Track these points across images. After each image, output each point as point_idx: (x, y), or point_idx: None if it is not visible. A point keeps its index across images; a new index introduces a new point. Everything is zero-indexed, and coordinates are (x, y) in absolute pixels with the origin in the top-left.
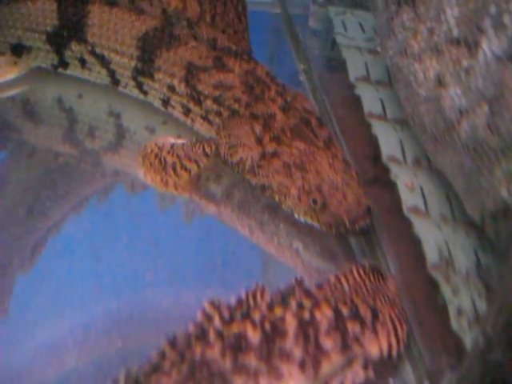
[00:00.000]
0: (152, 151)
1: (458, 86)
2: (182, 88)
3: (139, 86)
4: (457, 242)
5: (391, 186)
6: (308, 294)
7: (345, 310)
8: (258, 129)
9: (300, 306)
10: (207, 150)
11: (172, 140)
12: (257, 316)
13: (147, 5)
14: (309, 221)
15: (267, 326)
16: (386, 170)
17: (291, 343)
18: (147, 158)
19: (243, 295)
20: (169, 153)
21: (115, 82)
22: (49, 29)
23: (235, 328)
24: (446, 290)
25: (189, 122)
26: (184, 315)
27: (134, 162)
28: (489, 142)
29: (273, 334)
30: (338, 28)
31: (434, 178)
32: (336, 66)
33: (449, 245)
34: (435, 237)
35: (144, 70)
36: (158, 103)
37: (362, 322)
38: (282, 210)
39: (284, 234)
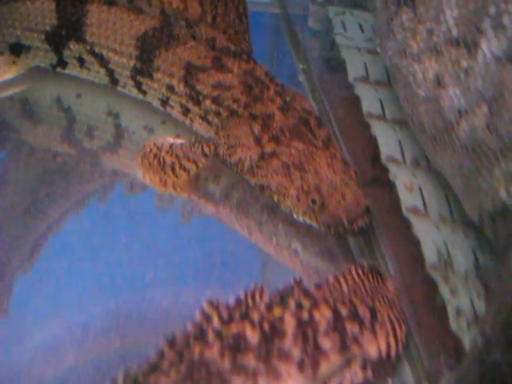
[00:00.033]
0: (151, 151)
1: (457, 87)
2: (180, 88)
3: (138, 85)
4: (455, 242)
5: (390, 187)
6: (307, 294)
7: (344, 311)
8: (256, 129)
9: (299, 306)
10: (206, 150)
11: (171, 140)
12: (255, 316)
13: (146, 5)
14: (307, 221)
15: (266, 326)
16: (385, 171)
17: (290, 343)
18: (146, 157)
19: (242, 295)
20: (168, 153)
21: (114, 81)
22: (47, 28)
23: (234, 328)
24: (444, 291)
25: (188, 121)
26: (183, 315)
27: (133, 161)
28: (488, 142)
29: (271, 334)
30: (338, 28)
31: (433, 178)
32: (335, 66)
33: (447, 245)
34: (434, 237)
35: (143, 69)
36: (156, 103)
37: (361, 323)
38: (281, 210)
39: (283, 234)
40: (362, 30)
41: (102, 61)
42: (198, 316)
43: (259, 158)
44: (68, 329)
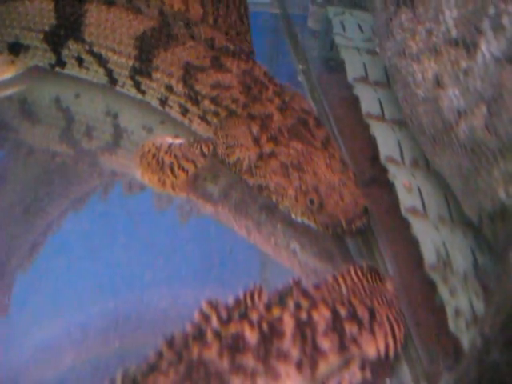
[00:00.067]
0: (149, 151)
1: (456, 87)
2: (179, 88)
3: (137, 85)
4: (454, 242)
5: (389, 187)
6: (306, 294)
7: (342, 311)
8: (255, 129)
9: (298, 307)
10: (205, 150)
11: (169, 140)
12: (254, 316)
13: (144, 5)
14: (306, 221)
15: (265, 326)
16: (384, 171)
17: (288, 343)
18: (144, 157)
19: (241, 295)
20: (166, 153)
21: (113, 81)
22: (46, 28)
23: (233, 328)
24: (443, 291)
25: (186, 121)
26: (181, 315)
27: (132, 161)
28: (487, 143)
29: (270, 334)
30: (337, 28)
31: (432, 178)
32: (334, 66)
33: (446, 245)
34: (433, 237)
35: (142, 69)
36: (155, 103)
37: (360, 323)
38: (279, 211)
39: (281, 234)
40: (362, 31)
41: (101, 60)
42: (196, 316)
43: (258, 158)
44: (67, 329)
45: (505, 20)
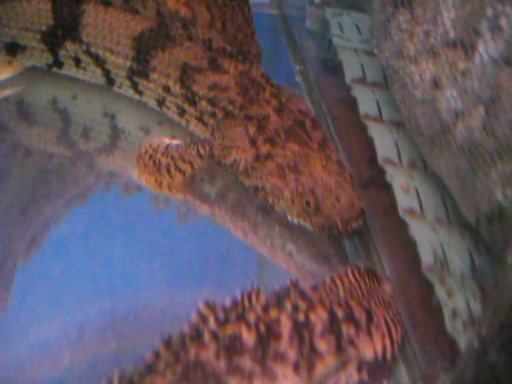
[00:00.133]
0: (146, 152)
1: (454, 89)
2: (176, 89)
3: (134, 86)
4: (452, 244)
5: (387, 188)
6: (303, 295)
7: (340, 313)
8: (251, 130)
9: (295, 308)
10: (201, 151)
11: (166, 141)
12: (252, 317)
13: (141, 6)
14: (302, 223)
15: (262, 327)
16: (382, 172)
17: (286, 345)
18: (141, 159)
19: (238, 296)
20: (163, 154)
21: (110, 81)
22: (43, 28)
23: (230, 329)
24: (440, 292)
25: (184, 122)
26: (179, 316)
27: (129, 162)
28: (484, 144)
29: (267, 335)
30: (335, 29)
31: (430, 179)
32: (332, 67)
33: (444, 247)
34: (430, 239)
35: (139, 70)
36: (153, 103)
37: (357, 325)
38: (276, 212)
39: (277, 235)
40: (359, 32)
41: (98, 61)
42: (194, 317)
43: (254, 160)
44: (64, 329)
45: (502, 21)
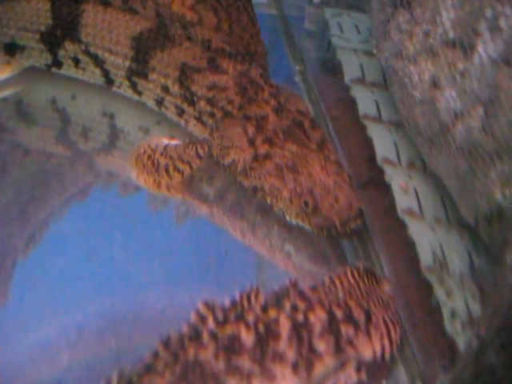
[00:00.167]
0: (145, 153)
1: (453, 89)
2: (175, 89)
3: (133, 86)
4: (451, 244)
5: (386, 188)
6: (302, 296)
7: (339, 313)
8: (250, 130)
9: (294, 308)
10: (200, 151)
11: (165, 141)
12: (251, 317)
13: (141, 7)
14: (300, 223)
15: (261, 327)
16: (381, 172)
17: (284, 345)
18: (140, 159)
19: (237, 296)
20: (162, 154)
21: (109, 81)
22: (42, 28)
23: (229, 329)
24: (439, 293)
25: (182, 122)
26: (178, 316)
27: (128, 162)
28: (484, 144)
29: (266, 335)
30: (334, 30)
31: (429, 180)
32: (331, 67)
33: (443, 247)
34: (429, 239)
35: (138, 70)
36: (152, 104)
37: (356, 325)
38: (274, 212)
39: (276, 236)
40: (359, 32)
41: (98, 61)
42: (193, 317)
43: (253, 160)
44: (63, 329)
45: (502, 22)
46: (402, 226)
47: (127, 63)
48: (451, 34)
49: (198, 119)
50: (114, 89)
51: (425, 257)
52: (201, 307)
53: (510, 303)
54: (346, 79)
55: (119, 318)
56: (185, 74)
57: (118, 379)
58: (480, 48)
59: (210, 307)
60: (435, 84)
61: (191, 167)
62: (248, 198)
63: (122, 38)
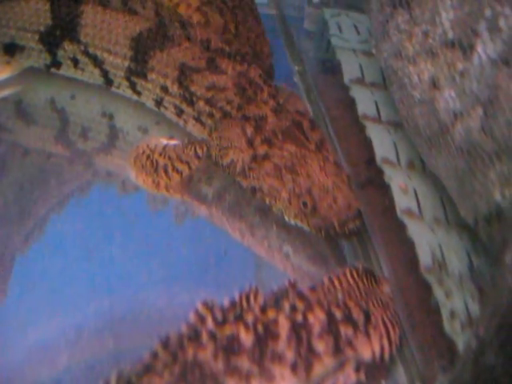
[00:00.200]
0: (144, 153)
1: (452, 89)
2: (174, 89)
3: (132, 86)
4: (450, 244)
5: (385, 188)
6: (301, 296)
7: (338, 313)
8: (249, 131)
9: (293, 309)
10: (199, 151)
11: (164, 141)
12: (250, 318)
13: (140, 7)
14: (299, 224)
15: (260, 328)
16: (380, 172)
17: (283, 345)
18: (139, 159)
19: (236, 297)
20: (160, 154)
21: (108, 82)
22: (42, 28)
23: (228, 329)
24: (438, 293)
25: (181, 123)
26: (177, 316)
27: (127, 162)
28: (483, 144)
29: (265, 336)
30: (333, 30)
31: (428, 180)
32: (330, 67)
33: (442, 247)
34: (428, 239)
35: (137, 70)
36: (151, 104)
37: (355, 325)
38: (273, 213)
39: (274, 236)
40: (358, 32)
41: (97, 61)
42: (192, 317)
43: (251, 160)
44: (62, 329)
45: (501, 22)
46: (401, 227)
47: (126, 63)
48: (450, 35)
49: (197, 119)
50: (113, 89)
51: (424, 257)
52: (200, 307)
53: (509, 303)
54: (346, 79)
55: (118, 317)
56: (184, 74)
57: (117, 379)
58: (479, 48)
59: (209, 307)
60: (434, 84)
61: (190, 167)
62: (247, 198)
63: (121, 39)
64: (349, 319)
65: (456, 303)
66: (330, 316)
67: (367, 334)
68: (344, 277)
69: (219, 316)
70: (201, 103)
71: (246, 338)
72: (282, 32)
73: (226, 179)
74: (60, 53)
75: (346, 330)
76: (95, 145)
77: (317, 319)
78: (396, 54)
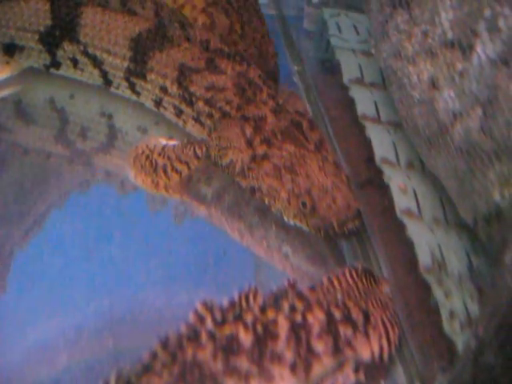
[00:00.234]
0: (143, 153)
1: (451, 89)
2: (174, 89)
3: (132, 86)
4: (449, 244)
5: (384, 189)
6: (301, 296)
7: (337, 313)
8: (248, 131)
9: (292, 309)
10: (198, 152)
11: (163, 141)
12: (249, 318)
13: (139, 7)
14: (298, 224)
15: (259, 328)
16: (380, 173)
17: (283, 346)
18: (138, 159)
19: (236, 297)
20: (160, 155)
21: (107, 82)
22: (41, 28)
23: (227, 330)
24: (438, 293)
25: (181, 123)
26: (176, 316)
27: (126, 162)
28: (482, 144)
29: (264, 336)
30: (333, 30)
31: (427, 180)
32: (330, 67)
33: (441, 247)
34: (428, 239)
35: (136, 70)
36: (150, 104)
37: (354, 325)
38: (272, 213)
39: (273, 236)
40: (357, 32)
41: (96, 62)
42: (191, 317)
43: (250, 161)
44: (61, 329)
45: (500, 22)
46: (400, 227)
47: (125, 64)
48: (450, 35)
49: (196, 120)
50: (113, 89)
51: (423, 257)
52: (199, 307)
53: (508, 304)
54: (345, 79)
55: (117, 318)
56: (183, 74)
57: (116, 379)
58: (479, 48)
59: (209, 307)
60: (434, 84)
61: (189, 168)
62: (246, 198)
63: (121, 39)
64: (348, 319)
65: (455, 303)
66: (329, 316)
67: (366, 334)
68: (343, 277)
69: (218, 316)
70: (200, 103)
71: (246, 338)
72: (282, 32)
73: (225, 179)
74: (59, 53)
75: (345, 331)
76: (94, 145)
77: (316, 319)
78: (395, 54)
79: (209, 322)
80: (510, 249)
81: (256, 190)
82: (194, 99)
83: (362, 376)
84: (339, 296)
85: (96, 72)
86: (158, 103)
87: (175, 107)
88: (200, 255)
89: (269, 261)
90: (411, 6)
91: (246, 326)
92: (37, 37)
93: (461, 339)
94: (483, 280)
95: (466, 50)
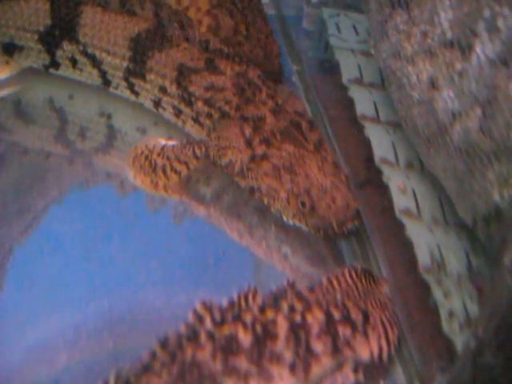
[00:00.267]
0: (142, 153)
1: (451, 89)
2: (173, 89)
3: (131, 86)
4: (449, 244)
5: (383, 189)
6: (300, 296)
7: (336, 314)
8: (247, 131)
9: (292, 309)
10: (197, 152)
11: (162, 142)
12: (248, 318)
13: (139, 7)
14: (297, 224)
15: (258, 328)
16: (379, 173)
17: (282, 346)
18: (137, 160)
19: (235, 297)
20: (159, 155)
21: (106, 82)
22: (41, 28)
23: (226, 330)
24: (437, 293)
25: (180, 123)
26: (175, 316)
27: (125, 163)
28: (481, 145)
29: (264, 336)
30: (332, 30)
31: (427, 180)
32: (329, 67)
33: (440, 248)
34: (427, 239)
35: (136, 70)
36: (149, 104)
37: (353, 326)
38: (271, 213)
39: (273, 236)
40: (356, 32)
41: (95, 62)
42: (190, 317)
43: (250, 161)
44: (61, 329)
45: (500, 22)
46: (399, 227)
47: (125, 64)
48: (449, 35)
49: (196, 120)
50: (112, 90)
51: (422, 257)
52: (198, 307)
53: (507, 304)
54: (344, 79)
55: (117, 317)
56: (182, 74)
57: (116, 379)
58: (478, 48)
59: (208, 307)
60: (433, 84)
61: (188, 168)
62: (245, 198)
63: (120, 39)
64: (347, 319)
65: (455, 303)
66: (328, 316)
67: (366, 335)
68: (342, 277)
69: (218, 316)
70: (199, 104)
71: (245, 338)
72: (281, 32)
73: (224, 179)
74: (59, 53)
75: (344, 331)
76: (93, 145)
77: (315, 319)
78: (395, 54)
79: (208, 322)
80: (509, 249)
81: (255, 190)
82: (193, 99)
83: (361, 376)
84: (338, 296)
85: (95, 72)
86: (157, 103)
87: (174, 107)
88: (199, 255)
89: (268, 261)
90: (410, 6)
91: (245, 326)
92: (36, 36)
93: (460, 339)
94: (482, 280)
95: (466, 50)
